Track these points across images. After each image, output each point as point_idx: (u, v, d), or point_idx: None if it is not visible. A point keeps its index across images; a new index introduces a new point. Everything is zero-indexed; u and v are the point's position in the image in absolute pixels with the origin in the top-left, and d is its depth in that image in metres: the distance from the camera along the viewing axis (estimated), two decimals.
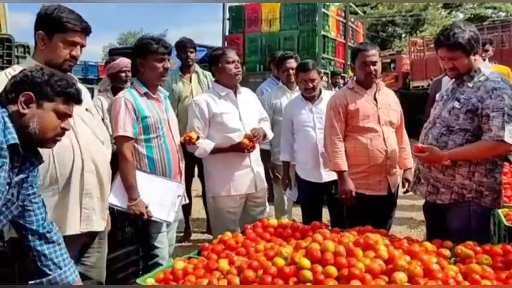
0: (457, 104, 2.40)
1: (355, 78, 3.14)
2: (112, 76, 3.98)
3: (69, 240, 2.01)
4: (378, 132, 3.02)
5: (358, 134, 3.03)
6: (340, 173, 3.02)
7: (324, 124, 3.21)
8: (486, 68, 2.43)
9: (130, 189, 2.55)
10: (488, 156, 2.35)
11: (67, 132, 1.92)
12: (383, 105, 3.08)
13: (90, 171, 2.07)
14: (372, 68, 2.99)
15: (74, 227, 2.03)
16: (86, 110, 2.16)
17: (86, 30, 2.06)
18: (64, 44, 2.00)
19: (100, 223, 2.16)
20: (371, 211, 2.93)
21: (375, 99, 3.07)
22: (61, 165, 1.99)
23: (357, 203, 3.02)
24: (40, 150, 1.82)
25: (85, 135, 2.08)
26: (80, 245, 2.12)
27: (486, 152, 2.35)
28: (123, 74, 3.90)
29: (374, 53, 2.99)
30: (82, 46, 2.07)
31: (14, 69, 1.94)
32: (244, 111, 3.09)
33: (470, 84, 2.39)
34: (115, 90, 3.71)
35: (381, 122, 3.04)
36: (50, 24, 1.99)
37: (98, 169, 2.11)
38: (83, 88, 2.17)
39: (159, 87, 2.80)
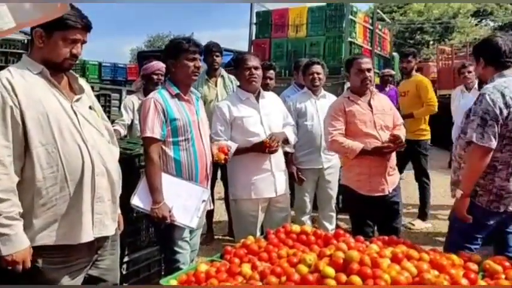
0: (467, 111, 2.57)
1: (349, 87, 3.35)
2: (145, 77, 4.06)
3: (84, 247, 1.96)
4: (376, 136, 3.15)
5: (357, 139, 3.13)
6: (364, 152, 3.08)
7: (324, 129, 3.35)
8: (501, 77, 2.49)
9: (154, 192, 2.53)
10: (476, 162, 2.43)
11: (73, 135, 1.89)
12: (378, 111, 3.22)
13: (101, 173, 1.97)
14: (367, 74, 3.17)
15: (88, 234, 1.93)
16: (90, 108, 2.06)
17: (87, 27, 1.94)
18: (64, 41, 1.88)
19: (112, 226, 2.09)
20: (375, 212, 3.16)
21: (370, 105, 3.21)
22: (70, 170, 1.88)
23: (361, 205, 3.17)
24: (47, 155, 1.82)
25: (92, 135, 1.97)
26: (95, 250, 2.05)
27: (470, 158, 2.47)
28: (155, 77, 3.97)
29: (367, 61, 3.23)
30: (83, 43, 1.96)
31: (10, 71, 1.86)
32: (265, 116, 3.13)
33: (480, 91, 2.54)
34: (147, 92, 3.77)
35: (377, 127, 3.18)
36: (49, 21, 1.85)
37: (108, 170, 2.01)
38: (85, 85, 2.12)
39: (192, 88, 2.81)
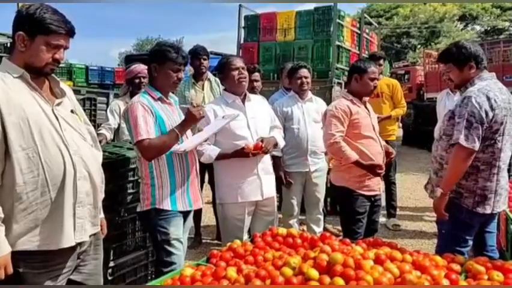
0: (449, 113, 2.63)
1: (347, 90, 3.39)
2: (129, 81, 4.04)
3: (66, 252, 1.92)
4: (375, 139, 3.26)
5: (359, 141, 3.20)
6: (356, 163, 3.14)
7: (324, 127, 3.37)
8: (482, 80, 2.56)
9: (181, 128, 2.58)
10: (459, 163, 2.47)
11: (54, 139, 1.85)
12: (373, 115, 3.39)
13: (83, 178, 1.94)
14: (376, 83, 3.32)
15: (69, 239, 1.90)
16: (72, 111, 2.03)
17: (71, 33, 1.92)
18: (47, 46, 1.86)
19: (92, 230, 2.05)
20: (368, 209, 3.26)
21: (367, 109, 3.35)
22: (52, 174, 1.84)
23: (359, 204, 3.22)
24: (27, 159, 1.79)
25: (74, 139, 1.94)
26: (77, 255, 2.02)
27: (453, 159, 2.49)
28: (137, 80, 3.95)
29: (376, 70, 3.35)
30: (66, 48, 1.94)
31: None
32: (252, 119, 3.11)
33: (463, 94, 2.59)
34: (133, 96, 3.75)
35: (376, 131, 3.32)
36: (32, 25, 1.83)
37: (91, 174, 1.98)
38: (68, 90, 2.10)
39: (170, 93, 2.79)
